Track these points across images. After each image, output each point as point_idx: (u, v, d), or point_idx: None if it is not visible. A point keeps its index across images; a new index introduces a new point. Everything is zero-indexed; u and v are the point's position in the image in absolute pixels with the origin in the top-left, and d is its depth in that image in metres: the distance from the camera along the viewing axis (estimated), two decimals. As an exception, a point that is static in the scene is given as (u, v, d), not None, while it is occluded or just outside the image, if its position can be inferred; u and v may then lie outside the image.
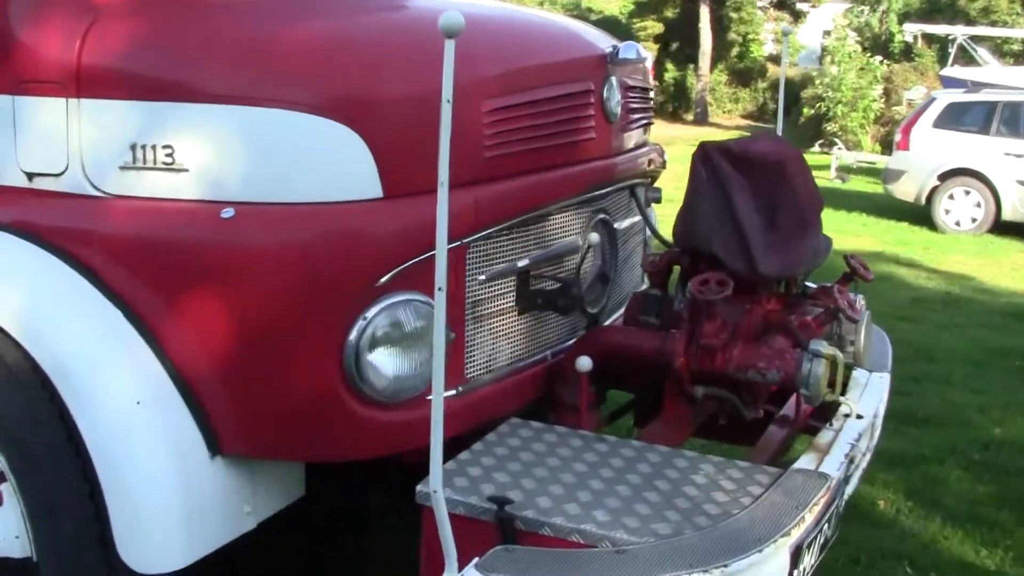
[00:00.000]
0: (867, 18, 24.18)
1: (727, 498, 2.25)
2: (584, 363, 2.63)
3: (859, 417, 2.79)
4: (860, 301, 3.07)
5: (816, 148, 19.16)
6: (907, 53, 24.21)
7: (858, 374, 3.16)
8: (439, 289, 1.81)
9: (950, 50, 19.43)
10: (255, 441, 2.37)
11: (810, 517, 2.21)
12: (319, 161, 2.29)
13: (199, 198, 2.34)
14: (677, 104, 32.28)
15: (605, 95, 2.86)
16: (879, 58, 22.00)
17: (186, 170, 2.34)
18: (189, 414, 2.34)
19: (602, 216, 3.00)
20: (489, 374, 2.63)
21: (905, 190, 11.99)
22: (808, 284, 2.90)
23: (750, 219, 2.57)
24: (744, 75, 32.16)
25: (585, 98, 2.78)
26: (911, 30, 22.50)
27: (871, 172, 16.39)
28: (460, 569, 1.93)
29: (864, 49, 23.78)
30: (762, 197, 2.65)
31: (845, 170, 16.49)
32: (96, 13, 2.47)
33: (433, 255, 2.35)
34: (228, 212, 2.29)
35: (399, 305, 2.34)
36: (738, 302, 2.71)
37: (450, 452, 2.44)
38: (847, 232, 11.52)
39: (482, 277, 2.55)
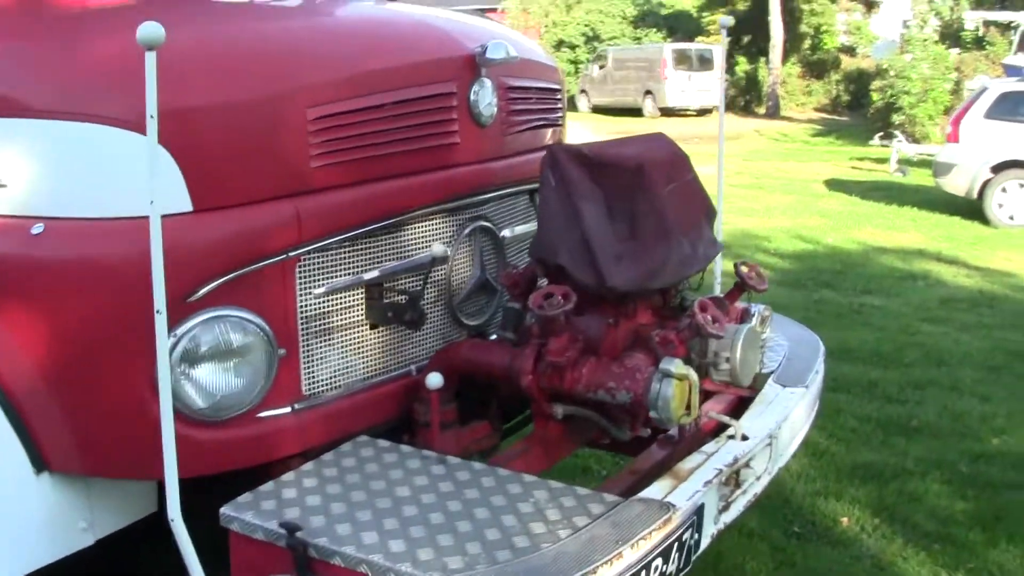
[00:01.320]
0: (936, 5, 23.17)
1: (544, 529, 2.10)
2: (434, 380, 2.50)
3: (744, 439, 2.60)
4: (761, 312, 2.87)
5: (876, 141, 18.52)
6: (979, 42, 23.25)
7: (768, 390, 2.97)
8: (158, 312, 1.71)
9: (1013, 37, 18.54)
10: (79, 459, 2.30)
11: (633, 552, 2.04)
12: (125, 175, 2.21)
13: (14, 213, 2.28)
14: (749, 97, 31.65)
15: (472, 97, 2.72)
16: (956, 50, 21.14)
17: (4, 185, 2.29)
18: (12, 431, 2.29)
19: (481, 224, 2.86)
20: (336, 390, 2.52)
21: (956, 184, 11.46)
22: (685, 296, 2.71)
23: (599, 228, 2.40)
24: (817, 67, 31.34)
25: (444, 101, 2.64)
26: (972, 17, 21.58)
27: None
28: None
29: (941, 38, 22.93)
30: (619, 204, 2.47)
31: (906, 163, 15.89)
32: None
33: (252, 270, 2.31)
34: (38, 228, 2.24)
35: (213, 321, 2.25)
36: (602, 315, 2.55)
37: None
38: (894, 227, 11.10)
39: (320, 290, 2.44)
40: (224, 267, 2.25)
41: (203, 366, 2.26)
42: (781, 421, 2.78)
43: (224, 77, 2.28)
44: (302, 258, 2.38)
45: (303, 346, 2.43)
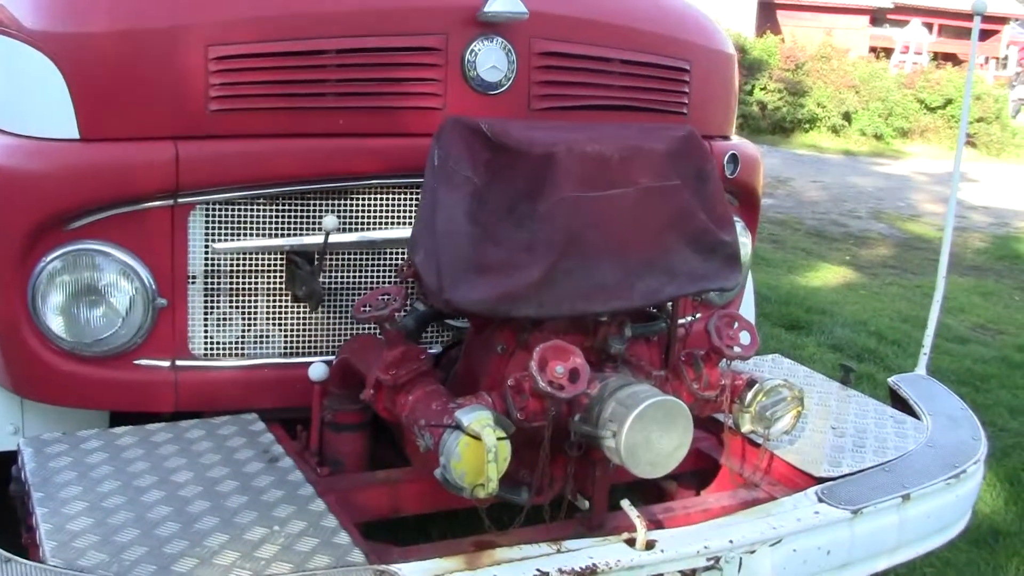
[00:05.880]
0: None
1: (224, 563, 1.74)
2: (317, 371, 2.20)
3: (649, 547, 1.90)
4: (765, 389, 2.05)
5: None
6: None
7: (790, 499, 2.16)
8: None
9: None
10: None
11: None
12: (14, 89, 2.21)
13: None
14: None
15: (468, 58, 2.29)
16: None
17: None
18: None
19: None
20: (237, 359, 2.32)
21: None
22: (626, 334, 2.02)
23: (465, 226, 1.86)
24: None
25: (419, 57, 2.27)
26: None
27: None
28: None
29: None
30: (522, 202, 1.90)
31: None
32: None
33: (135, 210, 2.19)
34: None
35: (83, 253, 2.19)
36: (495, 340, 2.02)
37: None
38: None
39: (222, 246, 2.25)
40: (104, 200, 2.17)
41: (68, 297, 2.21)
42: (755, 544, 1.99)
43: (129, 4, 2.18)
44: (197, 207, 2.22)
45: (194, 301, 2.27)
